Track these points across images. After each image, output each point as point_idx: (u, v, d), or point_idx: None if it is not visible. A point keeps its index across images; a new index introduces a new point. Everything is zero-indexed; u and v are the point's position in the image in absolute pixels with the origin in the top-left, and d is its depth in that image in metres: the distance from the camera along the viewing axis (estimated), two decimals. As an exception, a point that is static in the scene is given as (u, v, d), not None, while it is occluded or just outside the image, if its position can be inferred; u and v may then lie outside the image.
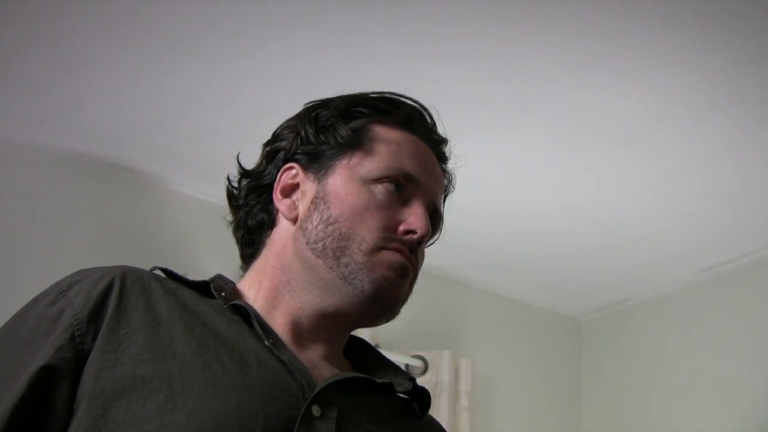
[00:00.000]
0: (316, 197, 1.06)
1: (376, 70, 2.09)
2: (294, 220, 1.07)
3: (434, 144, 1.13)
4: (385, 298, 1.02)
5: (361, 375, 1.01)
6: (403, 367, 3.02)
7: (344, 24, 2.00)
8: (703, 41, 1.99)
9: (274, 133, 1.14)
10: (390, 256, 1.02)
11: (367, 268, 1.01)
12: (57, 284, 0.98)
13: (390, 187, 1.05)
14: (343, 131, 1.07)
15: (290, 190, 1.09)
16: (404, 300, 1.06)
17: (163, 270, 1.04)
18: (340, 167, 1.06)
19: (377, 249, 1.02)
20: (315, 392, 0.94)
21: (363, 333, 2.61)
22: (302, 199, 1.07)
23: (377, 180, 1.05)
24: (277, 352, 0.97)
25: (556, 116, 2.27)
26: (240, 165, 1.14)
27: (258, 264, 1.09)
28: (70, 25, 2.04)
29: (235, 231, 1.13)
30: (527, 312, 3.23)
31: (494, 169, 2.51)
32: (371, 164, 1.06)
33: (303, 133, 1.09)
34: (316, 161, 1.08)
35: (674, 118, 2.25)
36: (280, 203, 1.08)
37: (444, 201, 1.17)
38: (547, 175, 2.53)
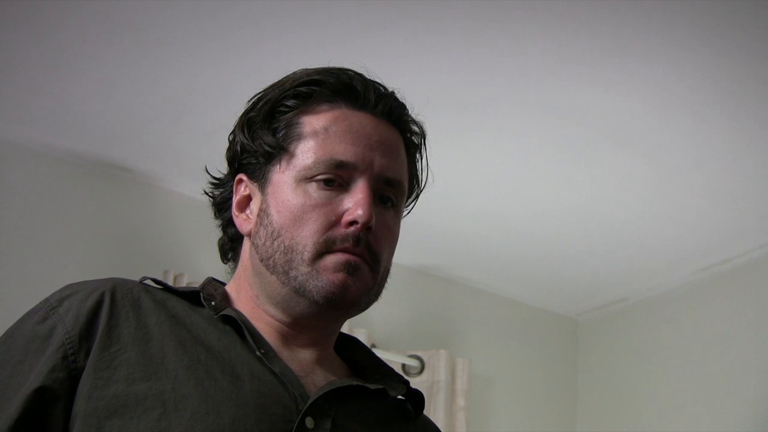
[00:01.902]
0: (261, 210, 1.03)
1: (372, 66, 2.08)
2: (249, 235, 1.05)
3: (373, 107, 1.05)
4: (340, 302, 0.99)
5: (354, 382, 1.00)
6: (399, 367, 3.03)
7: (341, 20, 1.99)
8: (703, 40, 1.99)
9: (228, 138, 1.10)
10: (333, 259, 0.98)
11: (313, 277, 0.98)
12: (46, 300, 0.96)
13: (323, 181, 1.00)
14: (268, 137, 1.03)
15: (245, 204, 1.06)
16: (366, 292, 1.01)
17: (153, 280, 1.04)
18: (275, 174, 1.03)
19: (320, 255, 0.98)
20: (308, 404, 0.94)
21: (360, 333, 2.62)
22: (253, 213, 1.05)
23: (309, 178, 1.00)
24: (269, 363, 0.97)
25: (554, 115, 2.27)
26: (211, 175, 1.12)
27: (235, 274, 1.09)
28: (65, 25, 2.03)
29: (218, 243, 1.13)
30: (523, 312, 3.23)
31: (491, 168, 2.51)
32: (300, 163, 1.01)
33: (240, 141, 1.06)
34: (257, 170, 1.05)
35: (673, 117, 2.25)
36: (237, 219, 1.06)
37: (420, 151, 1.11)
38: (544, 174, 2.53)
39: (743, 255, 2.80)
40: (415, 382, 2.79)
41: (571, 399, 3.22)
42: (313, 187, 1.00)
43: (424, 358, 2.84)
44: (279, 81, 1.08)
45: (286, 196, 1.01)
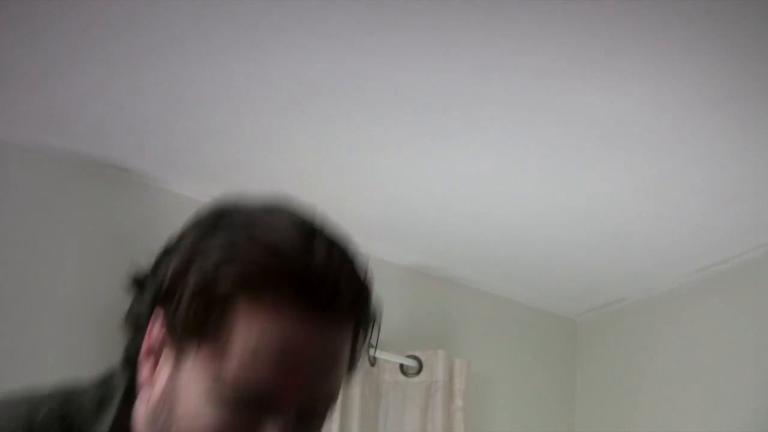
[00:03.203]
0: (164, 393, 0.84)
1: (371, 67, 2.08)
2: (145, 401, 0.86)
3: (327, 304, 0.84)
4: None
5: None
6: (397, 368, 3.01)
7: (340, 21, 1.99)
8: (703, 40, 1.98)
9: (156, 255, 0.90)
10: None
11: None
12: None
13: (236, 410, 0.82)
14: (191, 312, 0.82)
15: (158, 352, 0.85)
16: None
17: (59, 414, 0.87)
18: (191, 358, 0.83)
19: None
20: None
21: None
22: (158, 379, 0.85)
23: (226, 397, 0.82)
24: None
25: (554, 115, 2.26)
26: (133, 278, 0.93)
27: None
28: (64, 25, 2.03)
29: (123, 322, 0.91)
30: (521, 312, 3.23)
31: (489, 168, 2.51)
32: (220, 374, 0.82)
33: (171, 278, 0.85)
34: (176, 327, 0.83)
35: (673, 117, 2.25)
36: (143, 363, 0.86)
37: (371, 333, 0.91)
38: (543, 175, 2.52)
39: (742, 255, 2.80)
40: (413, 383, 2.79)
41: (569, 399, 3.22)
42: (229, 408, 0.82)
43: (422, 359, 2.84)
44: (237, 231, 0.86)
45: (195, 410, 0.82)
